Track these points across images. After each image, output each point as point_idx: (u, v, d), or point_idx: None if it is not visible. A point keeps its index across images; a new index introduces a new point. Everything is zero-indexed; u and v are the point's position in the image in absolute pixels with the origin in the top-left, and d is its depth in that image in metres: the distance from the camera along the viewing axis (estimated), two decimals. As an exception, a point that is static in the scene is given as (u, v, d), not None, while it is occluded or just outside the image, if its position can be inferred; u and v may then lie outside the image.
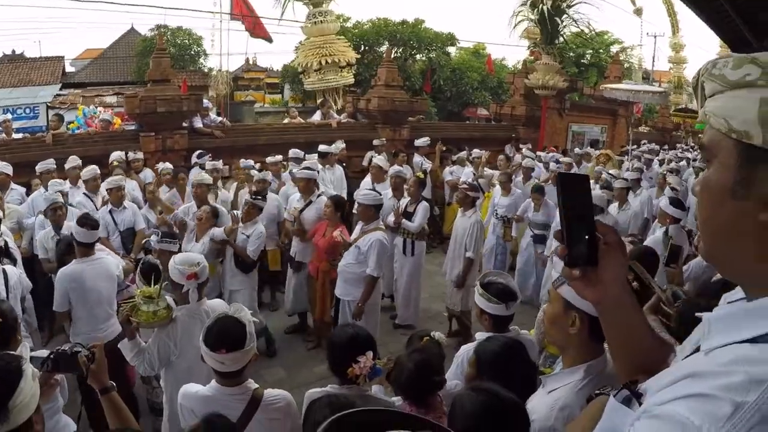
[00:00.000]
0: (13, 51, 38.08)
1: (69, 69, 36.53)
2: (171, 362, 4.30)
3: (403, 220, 8.28)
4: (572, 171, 11.61)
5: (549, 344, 3.90)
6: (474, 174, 11.13)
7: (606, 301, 1.50)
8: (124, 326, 4.22)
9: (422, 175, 9.34)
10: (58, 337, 6.91)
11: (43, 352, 3.20)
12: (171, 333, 4.25)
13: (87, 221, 5.65)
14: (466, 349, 4.07)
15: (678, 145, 25.13)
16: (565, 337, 2.30)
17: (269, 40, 20.62)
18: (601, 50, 32.87)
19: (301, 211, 8.05)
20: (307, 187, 8.19)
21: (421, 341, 3.86)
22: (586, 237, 1.44)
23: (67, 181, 9.06)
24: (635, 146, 18.50)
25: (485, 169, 11.76)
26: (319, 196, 8.14)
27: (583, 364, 2.26)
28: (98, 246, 6.05)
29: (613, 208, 9.07)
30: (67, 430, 3.93)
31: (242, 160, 10.12)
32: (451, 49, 32.82)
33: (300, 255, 7.99)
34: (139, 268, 4.97)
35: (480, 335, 4.06)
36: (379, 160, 10.16)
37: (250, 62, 38.69)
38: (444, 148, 12.76)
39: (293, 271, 8.15)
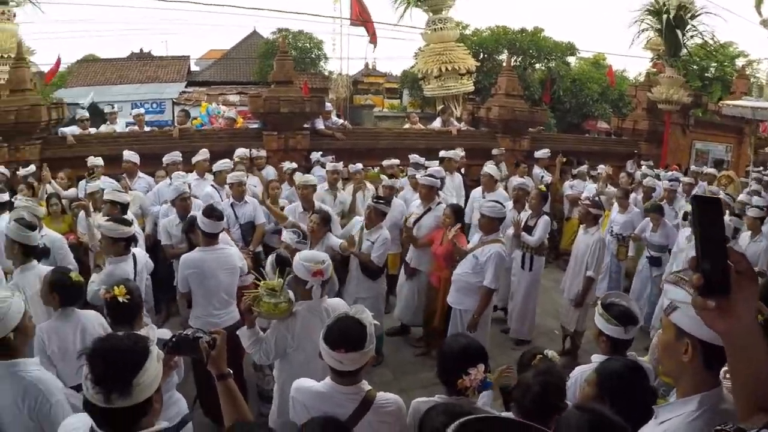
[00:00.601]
0: (141, 50, 40.15)
1: (194, 68, 38.08)
2: (287, 354, 4.37)
3: (523, 233, 8.12)
4: (694, 191, 11.11)
5: (662, 374, 3.76)
6: (597, 190, 10.84)
7: (736, 331, 1.42)
8: (245, 315, 4.33)
9: (544, 189, 9.12)
10: (173, 319, 7.18)
11: (166, 333, 3.32)
12: (290, 326, 4.31)
13: (213, 213, 5.82)
14: (581, 371, 4.01)
15: (808, 169, 23.66)
16: (678, 366, 2.14)
17: (374, 44, 20.71)
18: (726, 63, 31.28)
19: (420, 218, 8.04)
20: (429, 194, 8.16)
21: (532, 358, 3.78)
22: (720, 265, 1.38)
23: (191, 174, 9.46)
24: (761, 167, 17.55)
25: (608, 186, 11.39)
26: (438, 204, 8.10)
27: (697, 395, 2.10)
28: (225, 238, 6.27)
29: (745, 237, 8.55)
30: (179, 405, 4.10)
31: (350, 165, 10.21)
32: (571, 59, 32.11)
33: (415, 262, 7.95)
34: (273, 259, 5.06)
35: (596, 358, 4.02)
36: (491, 168, 9.92)
37: (370, 67, 39.11)
38: (564, 161, 12.50)
39: (406, 277, 8.12)
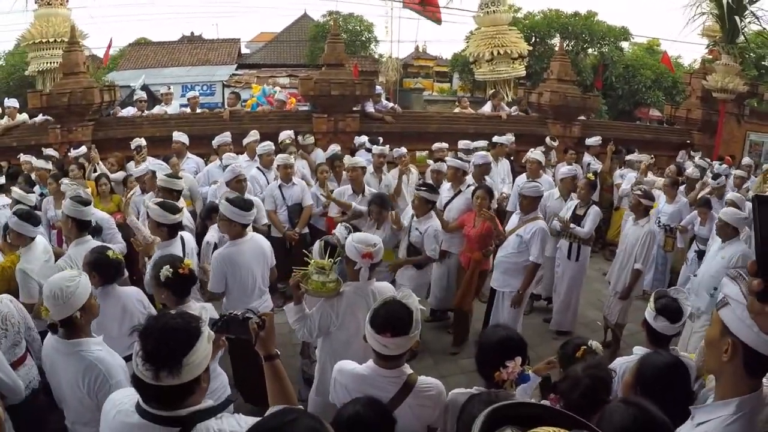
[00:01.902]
0: (192, 33, 40.70)
1: (244, 51, 38.45)
2: (330, 333, 4.45)
3: (573, 225, 7.94)
4: (744, 186, 10.74)
5: (706, 372, 3.73)
6: (636, 179, 10.57)
7: None
8: (293, 291, 4.39)
9: (593, 177, 8.96)
10: (214, 301, 7.27)
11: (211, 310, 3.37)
12: (335, 305, 4.39)
13: (245, 203, 5.67)
14: (622, 362, 4.01)
15: None
16: (719, 364, 2.09)
17: (438, 21, 20.48)
18: (784, 52, 30.20)
19: (450, 201, 8.02)
20: (456, 176, 8.13)
21: (576, 348, 3.75)
22: None
23: (242, 155, 9.59)
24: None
25: (649, 174, 11.00)
26: (468, 186, 8.00)
27: (736, 399, 2.05)
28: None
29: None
30: (221, 379, 4.28)
31: (395, 148, 10.19)
32: (624, 44, 31.51)
33: (445, 244, 7.79)
34: (320, 245, 5.01)
35: (638, 350, 4.04)
36: (537, 154, 9.73)
37: (420, 50, 38.98)
38: (614, 149, 12.23)
39: (438, 260, 8.03)
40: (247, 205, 5.64)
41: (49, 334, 3.60)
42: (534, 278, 7.04)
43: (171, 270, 4.03)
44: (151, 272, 4.27)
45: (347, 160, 9.19)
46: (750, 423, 2.00)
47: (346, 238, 5.38)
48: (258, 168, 9.06)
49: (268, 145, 9.24)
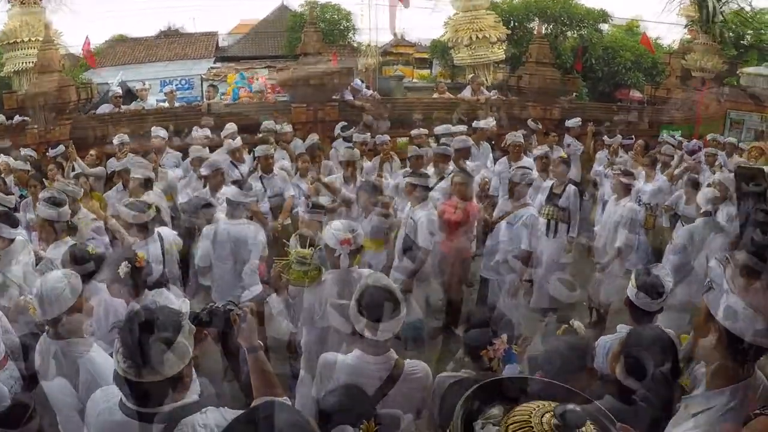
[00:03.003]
0: (170, 27, 40.26)
1: (222, 43, 38.13)
2: (314, 321, 4.46)
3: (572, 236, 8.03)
4: (717, 162, 10.76)
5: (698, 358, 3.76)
6: (608, 159, 10.58)
7: None
8: (275, 282, 4.40)
9: (566, 155, 8.95)
10: (200, 294, 7.24)
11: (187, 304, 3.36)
12: (317, 293, 4.40)
13: (242, 185, 5.85)
14: (605, 340, 3.99)
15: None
16: (706, 351, 2.08)
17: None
18: (762, 30, 30.30)
19: (432, 187, 7.94)
20: (442, 162, 8.15)
21: (556, 328, 3.76)
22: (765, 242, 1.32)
23: (221, 149, 9.50)
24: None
25: (620, 154, 11.01)
26: (451, 173, 7.93)
27: (728, 387, 2.03)
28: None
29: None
30: None
31: (378, 135, 10.16)
32: (604, 26, 31.53)
33: None
34: (296, 237, 5.05)
35: (622, 328, 4.04)
36: (518, 137, 9.73)
37: (399, 37, 38.81)
38: (594, 130, 12.22)
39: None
40: (246, 186, 5.94)
41: (44, 334, 3.54)
42: (528, 265, 7.03)
43: (129, 265, 4.04)
44: (107, 273, 4.21)
45: (343, 153, 9.10)
46: (744, 410, 1.98)
47: (306, 212, 5.42)
48: (231, 162, 8.96)
49: (224, 149, 9.25)
